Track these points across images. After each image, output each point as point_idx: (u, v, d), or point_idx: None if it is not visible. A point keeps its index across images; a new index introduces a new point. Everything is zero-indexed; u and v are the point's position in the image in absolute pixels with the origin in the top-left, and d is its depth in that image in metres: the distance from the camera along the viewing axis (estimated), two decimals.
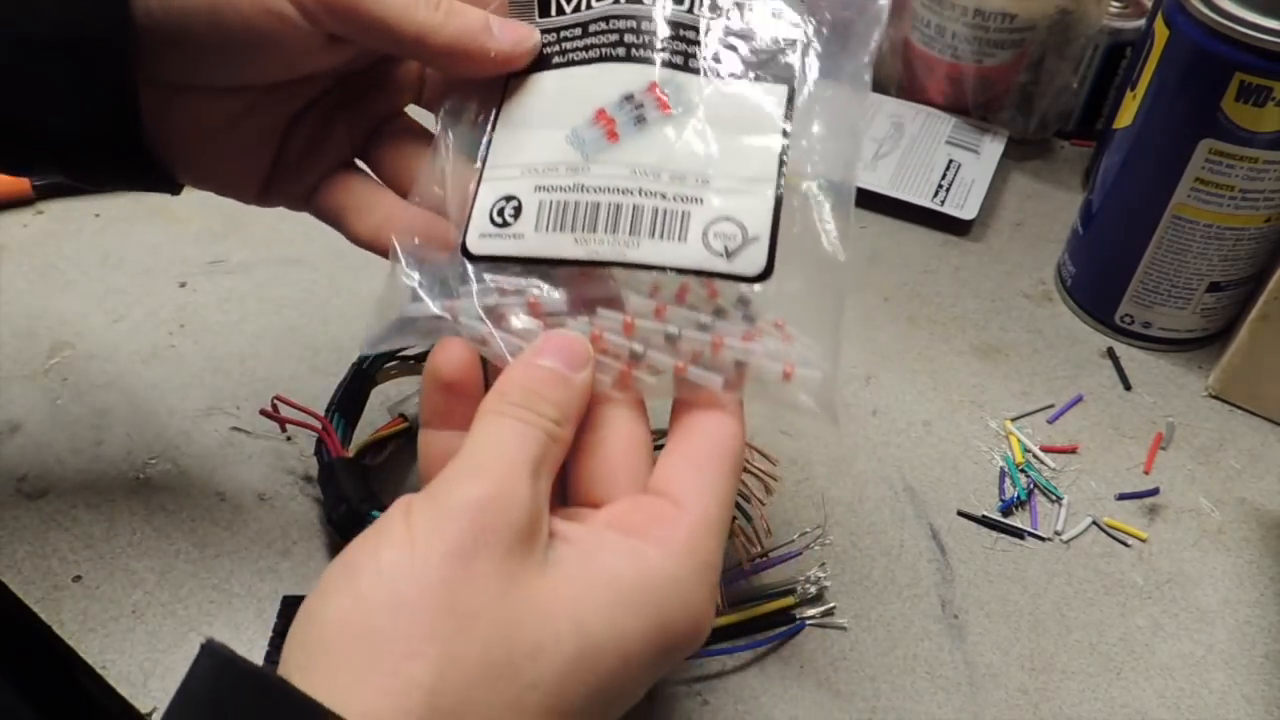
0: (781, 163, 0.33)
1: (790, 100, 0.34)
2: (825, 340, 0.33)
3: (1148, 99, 0.50)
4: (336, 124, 0.38)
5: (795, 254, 0.33)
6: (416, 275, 0.34)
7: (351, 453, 0.45)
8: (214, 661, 0.25)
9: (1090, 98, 0.67)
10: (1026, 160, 0.68)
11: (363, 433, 0.47)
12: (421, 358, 0.47)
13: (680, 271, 0.33)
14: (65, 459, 0.48)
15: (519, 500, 0.28)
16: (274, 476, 0.48)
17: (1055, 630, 0.44)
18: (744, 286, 0.33)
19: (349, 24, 0.33)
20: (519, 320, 0.33)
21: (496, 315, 0.33)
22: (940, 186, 0.63)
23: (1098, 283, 0.56)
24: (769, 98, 0.34)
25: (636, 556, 0.29)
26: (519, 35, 0.35)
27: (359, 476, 0.44)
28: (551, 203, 0.34)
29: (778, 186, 0.33)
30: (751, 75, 0.35)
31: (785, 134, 0.34)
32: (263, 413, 0.45)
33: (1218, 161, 0.48)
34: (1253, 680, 0.42)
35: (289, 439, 0.49)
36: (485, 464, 0.29)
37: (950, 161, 0.64)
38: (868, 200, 0.63)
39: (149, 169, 0.35)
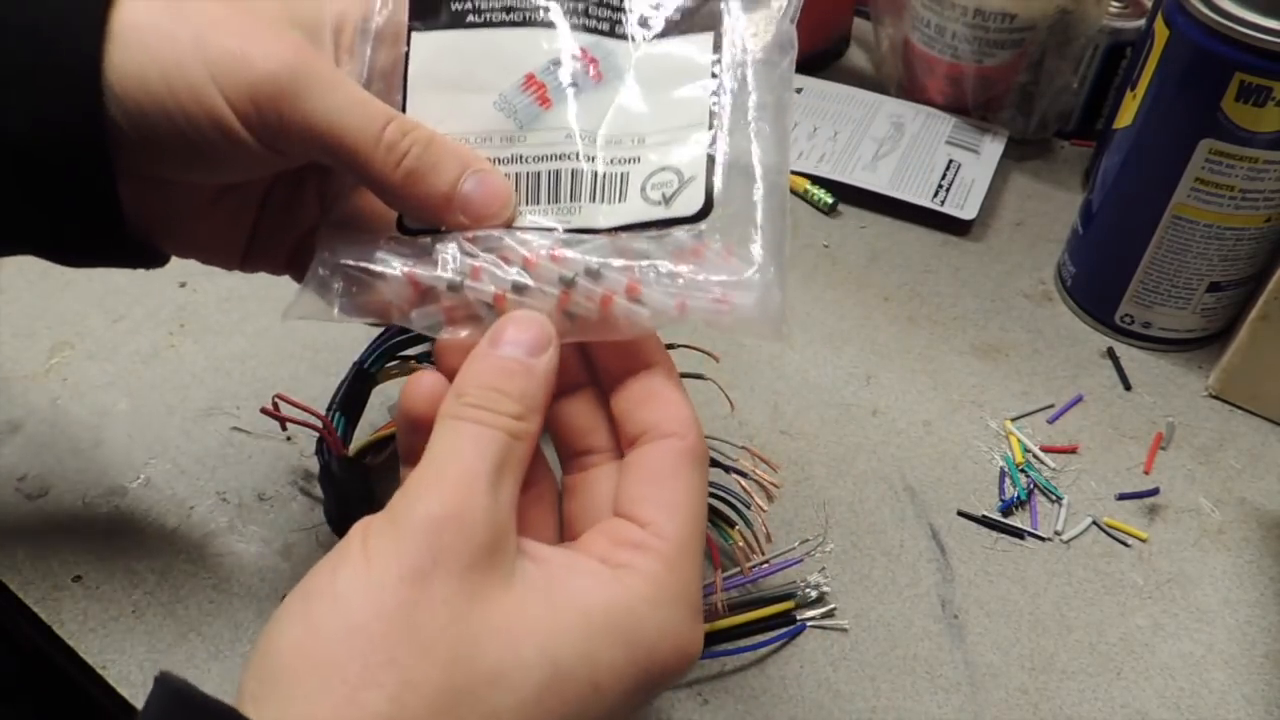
0: (712, 106, 0.33)
1: (717, 45, 0.34)
2: (770, 250, 0.32)
3: (1148, 99, 0.50)
4: (306, 188, 0.38)
5: (733, 181, 0.33)
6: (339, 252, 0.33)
7: (352, 452, 0.45)
8: (166, 691, 0.25)
9: (1090, 98, 0.67)
10: (1026, 160, 0.68)
11: (363, 432, 0.47)
12: (423, 358, 0.47)
13: (622, 229, 0.32)
14: (65, 459, 0.48)
15: (478, 513, 0.27)
16: (274, 476, 0.48)
17: (1055, 630, 0.44)
18: (685, 227, 0.32)
19: (307, 156, 0.32)
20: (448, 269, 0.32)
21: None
22: (940, 186, 0.63)
23: (1098, 283, 0.56)
24: (696, 48, 0.34)
25: (608, 582, 0.28)
26: (485, 212, 0.32)
27: (359, 476, 0.45)
28: None
29: (710, 128, 0.33)
30: (677, 32, 0.35)
31: (714, 75, 0.34)
32: (264, 411, 0.45)
33: (1218, 161, 0.48)
34: (1253, 680, 0.42)
35: (289, 439, 0.49)
36: (442, 477, 0.27)
37: (950, 161, 0.64)
38: (868, 200, 0.63)
39: (133, 251, 0.35)
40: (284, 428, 0.48)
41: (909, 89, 0.70)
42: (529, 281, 0.31)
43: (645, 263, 0.32)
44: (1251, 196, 0.49)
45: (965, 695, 0.42)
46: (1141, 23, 0.61)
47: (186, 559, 0.45)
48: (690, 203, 0.33)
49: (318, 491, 0.46)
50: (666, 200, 0.33)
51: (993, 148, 0.66)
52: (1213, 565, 0.46)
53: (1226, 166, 0.48)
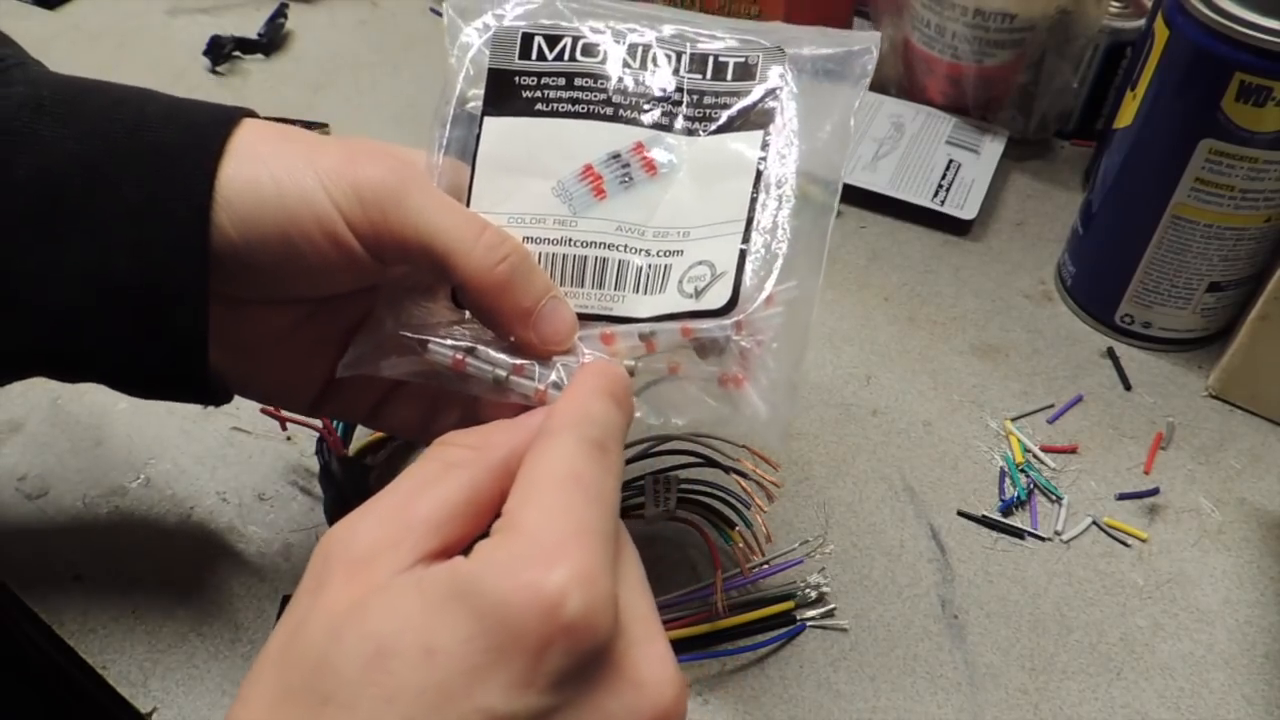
0: (753, 201, 0.35)
1: (765, 145, 0.35)
2: (786, 367, 0.34)
3: (1148, 99, 0.50)
4: None
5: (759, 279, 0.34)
6: (401, 317, 0.35)
7: (352, 452, 0.45)
8: None
9: (1090, 98, 0.67)
10: (1026, 160, 0.68)
11: (363, 432, 0.47)
12: None
13: (657, 320, 0.34)
14: (65, 459, 0.48)
15: (361, 533, 0.28)
16: (274, 476, 0.48)
17: (1055, 630, 0.44)
18: (711, 320, 0.34)
19: (405, 258, 0.34)
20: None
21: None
22: (940, 186, 0.63)
23: (1098, 283, 0.56)
24: (746, 144, 0.36)
25: (455, 563, 0.26)
26: (554, 338, 0.34)
27: (359, 476, 0.45)
28: (540, 254, 0.35)
29: (747, 224, 0.35)
30: (732, 128, 0.36)
31: (759, 174, 0.35)
32: (264, 411, 0.45)
33: (1218, 161, 0.48)
34: (1253, 680, 0.42)
35: (289, 439, 0.49)
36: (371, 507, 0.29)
37: (950, 161, 0.64)
38: (868, 200, 0.63)
39: (204, 387, 0.35)
40: (284, 428, 0.48)
41: (909, 89, 0.70)
42: (566, 384, 0.33)
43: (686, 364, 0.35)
44: (1251, 196, 0.49)
45: (965, 695, 0.42)
46: (1141, 23, 0.61)
47: (186, 559, 0.45)
48: (719, 296, 0.34)
49: (318, 491, 0.46)
50: (698, 293, 0.34)
51: (993, 148, 0.66)
52: (1213, 565, 0.46)
53: (1226, 166, 0.48)
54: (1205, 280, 0.53)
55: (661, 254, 0.35)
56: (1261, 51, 0.45)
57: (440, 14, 0.39)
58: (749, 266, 0.34)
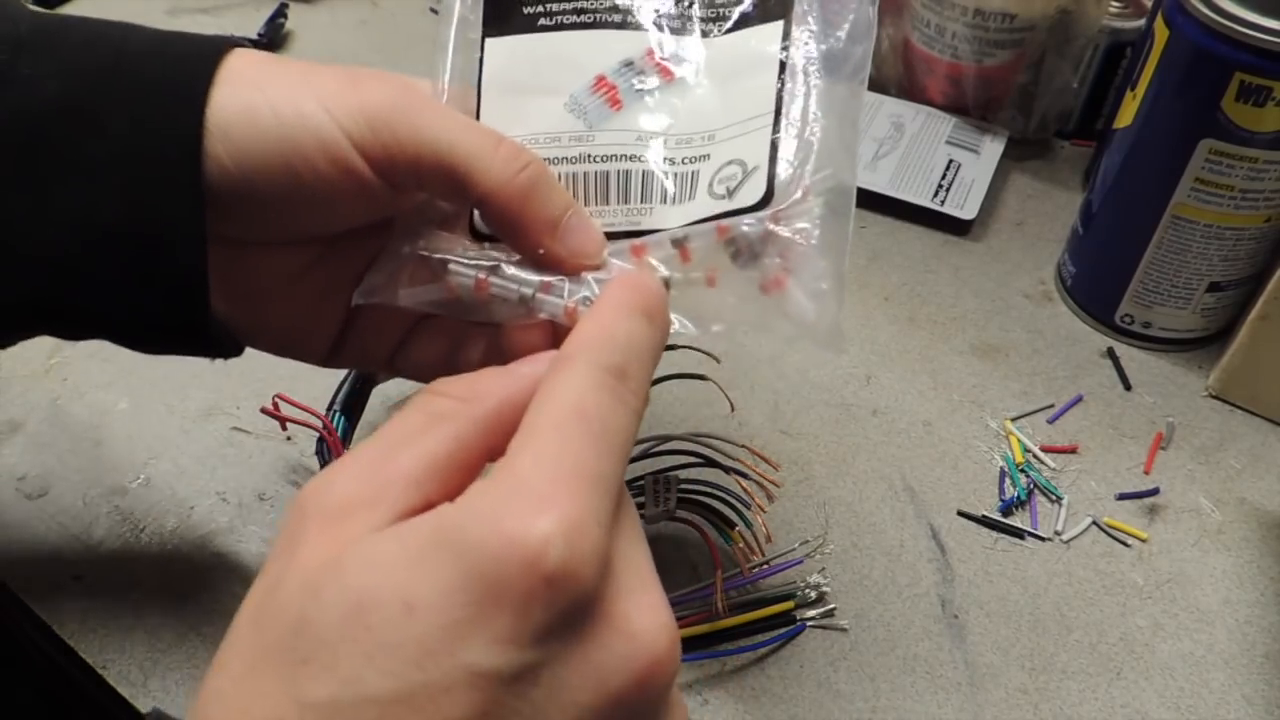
0: (779, 92, 0.33)
1: (786, 33, 0.33)
2: (830, 261, 0.32)
3: (1148, 99, 0.50)
4: None
5: (796, 172, 0.32)
6: (421, 242, 0.33)
7: None
8: None
9: (1090, 98, 0.67)
10: (1026, 160, 0.68)
11: (363, 432, 0.47)
12: None
13: (689, 226, 0.32)
14: (65, 459, 0.48)
15: (337, 488, 0.25)
16: (274, 476, 0.48)
17: (1055, 630, 0.44)
18: (748, 216, 0.32)
19: (418, 177, 0.32)
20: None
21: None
22: (940, 186, 0.63)
23: (1098, 283, 0.56)
24: (765, 38, 0.34)
25: (439, 511, 0.24)
26: (583, 250, 0.32)
27: None
28: (560, 174, 0.33)
29: (775, 117, 0.33)
30: (749, 23, 0.34)
31: (782, 65, 0.33)
32: (264, 411, 0.45)
33: (1218, 161, 0.48)
34: (1253, 680, 0.42)
35: (289, 439, 0.49)
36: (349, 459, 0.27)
37: (950, 161, 0.64)
38: (868, 200, 0.63)
39: (212, 338, 0.34)
40: (284, 428, 0.48)
41: (909, 89, 0.70)
42: (598, 295, 0.31)
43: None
44: (1251, 196, 0.49)
45: (965, 695, 0.42)
46: (1141, 23, 0.61)
47: (186, 559, 0.45)
48: (752, 192, 0.32)
49: None
50: (730, 193, 0.32)
51: (993, 148, 0.66)
52: (1213, 565, 0.46)
53: (1226, 166, 0.48)
54: (1205, 280, 0.53)
55: (687, 160, 0.33)
56: (1261, 51, 0.45)
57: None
58: (782, 157, 0.32)
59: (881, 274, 0.60)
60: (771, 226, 0.32)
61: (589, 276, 0.32)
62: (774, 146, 0.32)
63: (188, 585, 0.44)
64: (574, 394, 0.26)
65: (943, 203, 0.62)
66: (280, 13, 0.76)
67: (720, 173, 0.33)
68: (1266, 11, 0.45)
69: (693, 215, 0.32)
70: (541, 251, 0.32)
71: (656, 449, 0.42)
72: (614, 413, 0.26)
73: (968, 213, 0.62)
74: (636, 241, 0.32)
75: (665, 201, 0.33)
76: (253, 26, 0.76)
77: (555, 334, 0.32)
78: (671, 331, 0.31)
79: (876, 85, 0.71)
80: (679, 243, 0.32)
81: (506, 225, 0.32)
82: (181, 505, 0.47)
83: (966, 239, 0.63)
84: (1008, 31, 0.63)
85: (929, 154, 0.65)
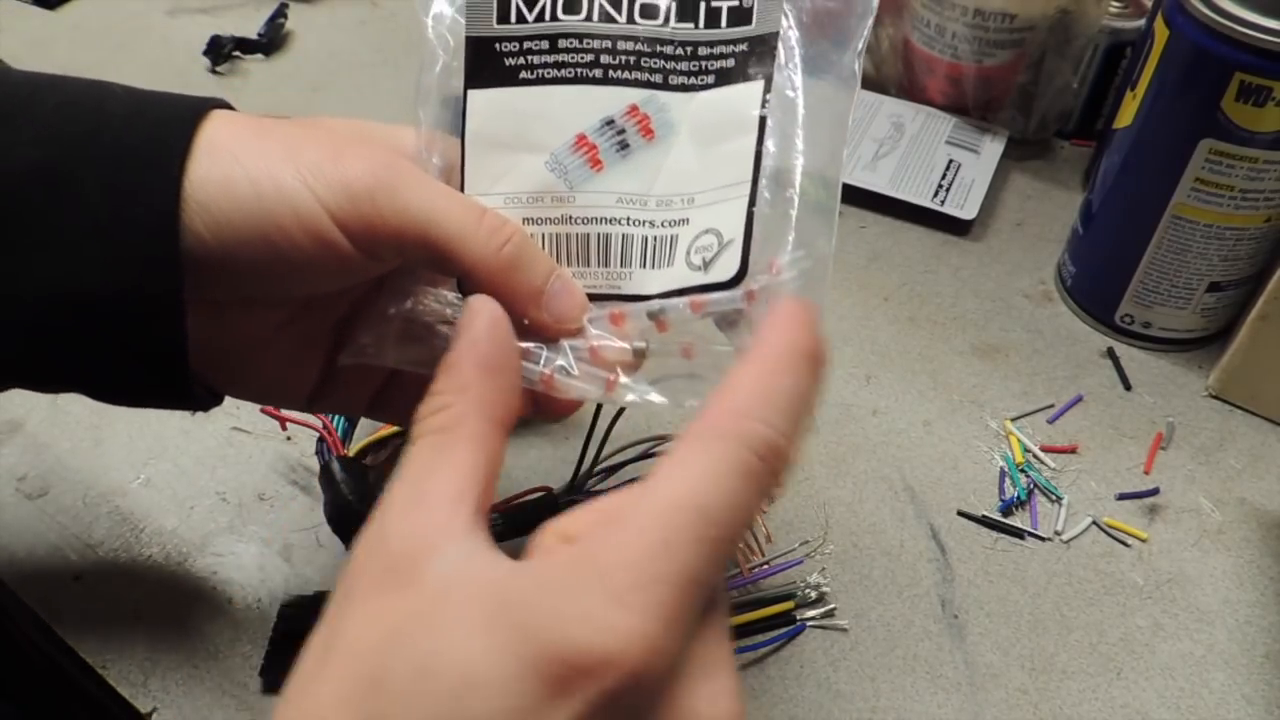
0: (758, 160, 0.33)
1: (766, 92, 0.33)
2: None
3: (1148, 99, 0.50)
4: None
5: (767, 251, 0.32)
6: (410, 302, 0.33)
7: (352, 452, 0.45)
8: None
9: (1090, 98, 0.67)
10: (1026, 160, 0.68)
11: (363, 432, 0.47)
12: None
13: (665, 295, 0.33)
14: (65, 459, 0.48)
15: (391, 531, 0.26)
16: (274, 476, 0.48)
17: (1055, 630, 0.44)
18: (721, 293, 0.32)
19: (401, 252, 0.32)
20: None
21: None
22: (940, 186, 0.63)
23: (1098, 283, 0.56)
24: (746, 98, 0.33)
25: (512, 568, 0.24)
26: (567, 315, 0.33)
27: (359, 476, 0.44)
28: (542, 236, 0.34)
29: (752, 187, 0.33)
30: (731, 79, 0.34)
31: (762, 126, 0.33)
32: (264, 410, 0.45)
33: (1218, 161, 0.48)
34: (1253, 680, 0.42)
35: (289, 439, 0.49)
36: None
37: (950, 161, 0.64)
38: (868, 200, 0.63)
39: (189, 393, 0.34)
40: (284, 428, 0.48)
41: (909, 89, 0.70)
42: (574, 367, 0.32)
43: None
44: (1251, 196, 0.49)
45: (965, 695, 0.42)
46: (1141, 23, 0.61)
47: (186, 559, 0.45)
48: (727, 268, 0.32)
49: (318, 491, 0.46)
50: (705, 265, 0.33)
51: (993, 148, 0.66)
52: (1213, 565, 0.46)
53: (1226, 166, 0.48)
54: (1205, 280, 0.53)
55: (667, 224, 0.33)
56: (1261, 51, 0.45)
57: None
58: (758, 231, 0.32)
59: (881, 274, 0.60)
60: (745, 306, 0.32)
61: (566, 344, 0.32)
62: (749, 219, 0.32)
63: (187, 585, 0.44)
64: (700, 481, 0.24)
65: (943, 203, 0.62)
66: (280, 13, 0.76)
67: (697, 241, 0.33)
68: (1266, 11, 0.45)
69: (670, 282, 0.33)
70: (526, 321, 0.32)
71: (656, 449, 0.42)
72: (735, 505, 0.24)
73: (968, 213, 0.62)
74: (615, 309, 0.33)
75: (644, 265, 0.33)
76: (253, 26, 0.76)
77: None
78: (651, 400, 0.32)
79: (876, 85, 0.71)
80: (655, 315, 0.33)
81: (491, 295, 0.32)
82: (181, 505, 0.47)
83: (966, 239, 0.63)
84: (1008, 31, 0.63)
85: (929, 154, 0.65)
